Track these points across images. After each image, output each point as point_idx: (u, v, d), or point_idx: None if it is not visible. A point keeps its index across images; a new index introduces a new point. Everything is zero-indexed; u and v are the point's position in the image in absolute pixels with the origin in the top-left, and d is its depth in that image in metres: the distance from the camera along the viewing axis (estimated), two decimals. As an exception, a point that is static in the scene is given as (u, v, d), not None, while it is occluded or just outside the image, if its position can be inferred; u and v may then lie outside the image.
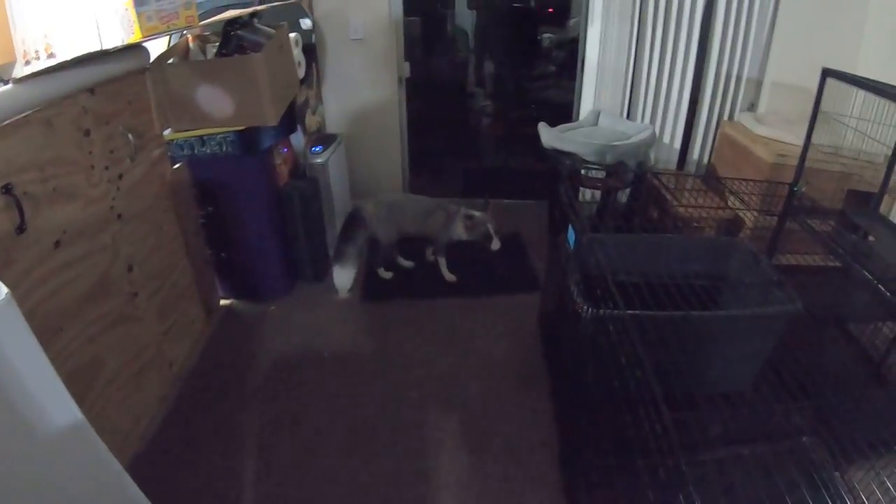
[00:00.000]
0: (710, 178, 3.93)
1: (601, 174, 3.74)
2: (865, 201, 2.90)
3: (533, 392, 2.62)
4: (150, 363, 2.30)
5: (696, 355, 1.64)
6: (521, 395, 2.61)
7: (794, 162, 3.02)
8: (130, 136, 2.21)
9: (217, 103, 2.64)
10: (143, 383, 2.26)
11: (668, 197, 3.48)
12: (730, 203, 3.36)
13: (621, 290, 1.88)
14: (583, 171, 3.60)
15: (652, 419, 1.51)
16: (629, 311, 1.81)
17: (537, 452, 2.32)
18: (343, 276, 3.18)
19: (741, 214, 3.26)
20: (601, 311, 1.97)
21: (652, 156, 4.09)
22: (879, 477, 1.80)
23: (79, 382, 1.87)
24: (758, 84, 4.12)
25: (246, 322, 3.05)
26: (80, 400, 1.85)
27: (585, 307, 2.04)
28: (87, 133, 1.95)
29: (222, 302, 3.17)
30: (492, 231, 3.21)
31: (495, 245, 3.23)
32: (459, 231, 3.28)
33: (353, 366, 2.77)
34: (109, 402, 2.03)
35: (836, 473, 2.10)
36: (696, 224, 3.30)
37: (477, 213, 3.25)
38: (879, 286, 2.25)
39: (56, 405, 1.18)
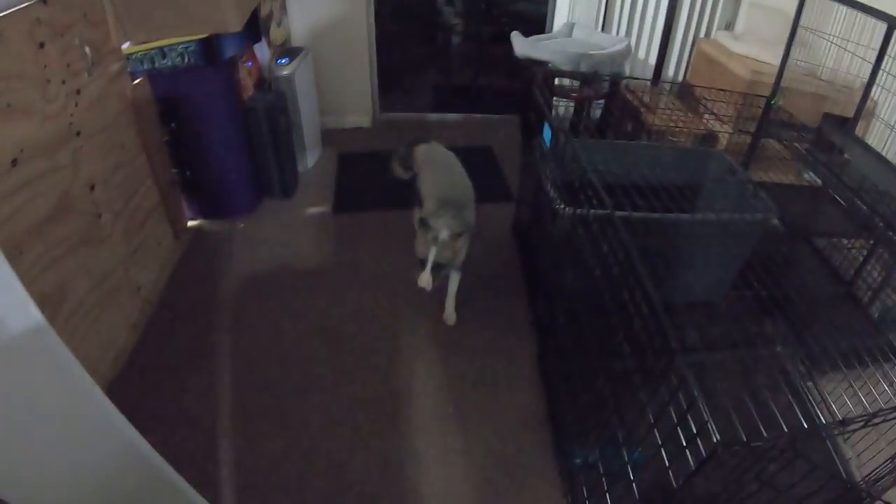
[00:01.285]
0: (686, 94, 3.89)
1: (575, 84, 3.68)
2: (840, 126, 2.90)
3: (510, 299, 2.66)
4: (117, 287, 2.22)
5: (672, 261, 1.63)
6: (498, 302, 2.64)
7: (771, 80, 3.01)
8: (87, 48, 2.06)
9: (175, 8, 2.48)
10: (112, 309, 2.19)
11: (643, 111, 3.43)
12: (705, 119, 3.32)
13: (597, 194, 1.85)
14: (556, 81, 3.54)
15: (627, 322, 1.52)
16: (605, 211, 1.78)
17: (516, 356, 2.38)
18: None
19: (716, 130, 3.24)
20: (577, 210, 1.97)
21: (627, 69, 4.03)
22: (851, 389, 1.85)
23: (43, 309, 1.79)
24: (735, 2, 4.06)
25: (214, 241, 2.97)
26: (45, 326, 1.82)
27: (562, 206, 2.03)
28: (41, 45, 1.82)
29: (190, 223, 3.06)
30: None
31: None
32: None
33: (326, 279, 2.74)
34: (77, 329, 1.97)
35: (810, 383, 2.17)
36: (671, 138, 3.27)
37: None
38: (855, 200, 2.27)
39: (11, 307, 1.10)
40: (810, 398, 2.11)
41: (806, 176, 3.04)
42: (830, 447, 1.98)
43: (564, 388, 2.08)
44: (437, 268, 2.20)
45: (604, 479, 1.72)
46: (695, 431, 1.20)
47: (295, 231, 3.10)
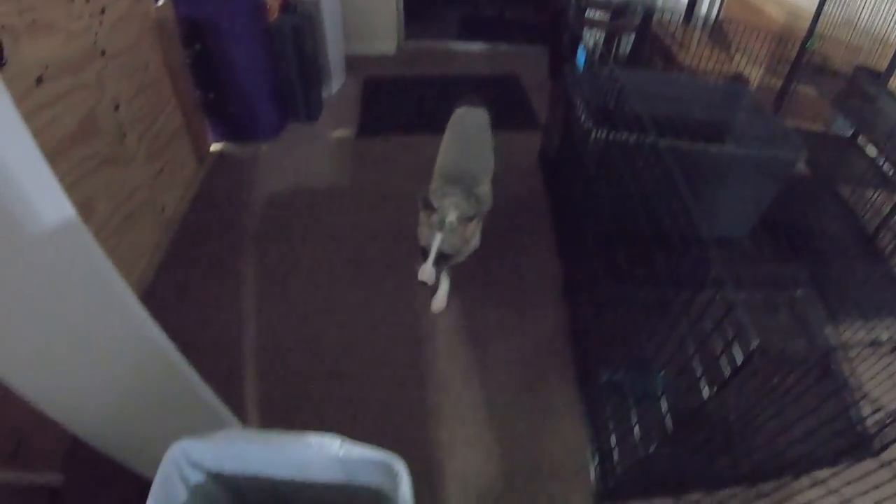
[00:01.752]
0: (718, 33, 3.76)
1: (606, 16, 3.59)
2: (874, 79, 2.80)
3: (534, 227, 2.65)
4: (141, 208, 2.24)
5: (699, 193, 1.60)
6: (523, 230, 2.64)
7: (806, 25, 2.88)
8: (111, -35, 2.03)
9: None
10: (135, 229, 2.22)
11: (674, 47, 3.33)
12: (736, 59, 3.22)
13: (636, 119, 1.81)
14: (587, 13, 3.45)
15: (652, 251, 1.51)
16: (636, 136, 1.76)
17: (539, 283, 2.40)
18: None
19: (747, 72, 3.14)
20: (609, 133, 1.94)
21: (659, 2, 3.90)
22: (870, 335, 1.84)
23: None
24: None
25: (238, 165, 2.98)
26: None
27: (593, 127, 2.01)
28: (65, -38, 1.79)
29: (213, 147, 3.07)
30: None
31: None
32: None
33: (349, 202, 2.74)
34: (102, 247, 1.99)
35: (830, 327, 2.16)
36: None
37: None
38: (885, 148, 2.21)
39: (46, 199, 1.10)
40: (831, 342, 2.10)
41: (835, 125, 2.96)
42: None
43: (591, 312, 2.10)
44: (443, 259, 1.89)
45: (630, 398, 1.75)
46: (731, 338, 1.20)
47: (319, 155, 3.08)
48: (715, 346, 1.25)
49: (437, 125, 3.02)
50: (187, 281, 2.33)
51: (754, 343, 1.12)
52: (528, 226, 2.67)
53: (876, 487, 1.45)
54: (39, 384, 1.30)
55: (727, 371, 1.21)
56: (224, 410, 1.78)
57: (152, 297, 2.24)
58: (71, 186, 1.82)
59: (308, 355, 2.07)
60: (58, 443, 1.78)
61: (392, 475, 1.08)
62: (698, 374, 1.36)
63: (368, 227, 2.60)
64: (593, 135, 1.99)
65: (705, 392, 1.33)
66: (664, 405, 1.52)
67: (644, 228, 1.65)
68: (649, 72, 2.51)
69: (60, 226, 1.13)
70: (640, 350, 1.66)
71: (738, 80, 3.27)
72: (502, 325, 2.22)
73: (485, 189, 2.15)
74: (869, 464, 1.53)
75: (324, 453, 1.10)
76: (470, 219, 1.89)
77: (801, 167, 2.33)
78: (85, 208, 1.91)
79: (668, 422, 1.48)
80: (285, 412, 1.91)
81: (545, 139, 2.99)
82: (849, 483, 1.54)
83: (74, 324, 1.27)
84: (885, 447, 1.61)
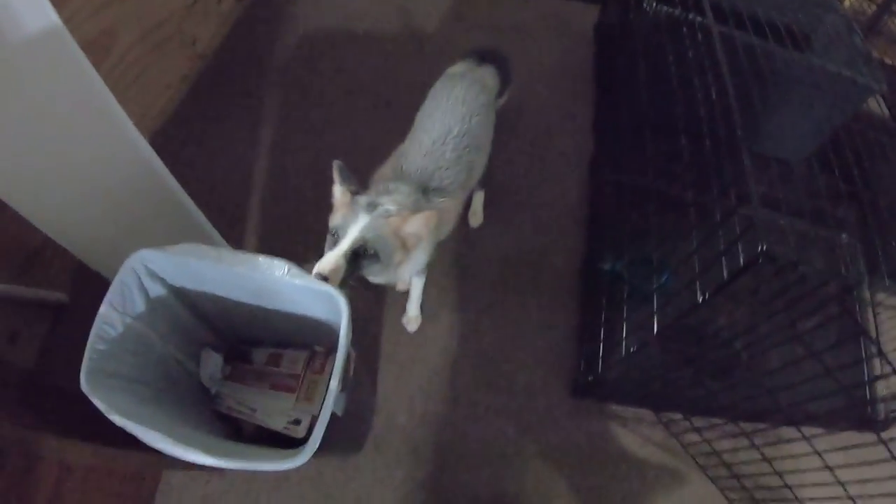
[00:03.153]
0: None
1: None
2: None
3: (575, 98, 2.49)
4: (169, 39, 2.18)
5: (763, 103, 1.43)
6: (561, 98, 2.49)
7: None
8: None
9: None
10: (163, 60, 2.16)
11: None
12: None
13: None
14: None
15: (682, 148, 1.39)
16: (705, 20, 1.55)
17: (569, 153, 2.31)
18: None
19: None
20: (667, 6, 1.77)
21: None
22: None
23: (90, 54, 1.79)
24: None
25: (278, 2, 2.76)
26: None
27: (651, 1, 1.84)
28: None
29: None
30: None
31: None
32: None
33: (388, 47, 2.60)
34: (125, 76, 1.96)
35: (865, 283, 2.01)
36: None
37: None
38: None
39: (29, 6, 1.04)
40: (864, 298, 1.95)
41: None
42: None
43: (611, 196, 2.00)
44: (361, 258, 1.25)
45: (626, 288, 1.67)
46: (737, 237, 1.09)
47: None
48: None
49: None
50: (210, 114, 2.31)
51: (761, 246, 1.01)
52: (569, 96, 2.51)
53: (869, 464, 1.28)
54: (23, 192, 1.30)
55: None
56: (220, 242, 1.79)
57: (174, 127, 2.24)
58: (94, 13, 1.76)
59: (317, 192, 2.02)
60: (66, 263, 1.81)
61: (335, 307, 1.04)
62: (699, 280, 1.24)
63: (403, 77, 2.48)
64: (645, 4, 1.82)
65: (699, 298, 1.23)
66: (656, 305, 1.43)
67: (678, 121, 1.52)
68: None
69: (42, 31, 1.08)
70: (648, 245, 1.56)
71: None
72: (521, 190, 2.17)
73: (449, 207, 1.51)
74: (867, 436, 1.35)
75: (271, 276, 1.06)
76: (418, 211, 1.31)
77: (878, 104, 2.10)
78: (108, 35, 1.85)
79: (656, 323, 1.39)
80: (285, 248, 1.91)
81: (603, 11, 2.76)
82: (839, 449, 1.41)
83: (60, 133, 1.25)
84: (890, 421, 1.48)
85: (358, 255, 1.23)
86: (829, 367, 1.25)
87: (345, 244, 1.22)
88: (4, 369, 1.62)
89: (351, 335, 1.05)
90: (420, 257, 1.45)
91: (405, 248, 1.33)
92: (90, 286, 1.24)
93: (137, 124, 1.33)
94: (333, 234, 1.27)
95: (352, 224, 1.24)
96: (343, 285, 1.18)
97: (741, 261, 1.05)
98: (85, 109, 1.24)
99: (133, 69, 1.99)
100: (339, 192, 1.35)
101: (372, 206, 1.27)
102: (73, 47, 1.12)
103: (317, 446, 0.96)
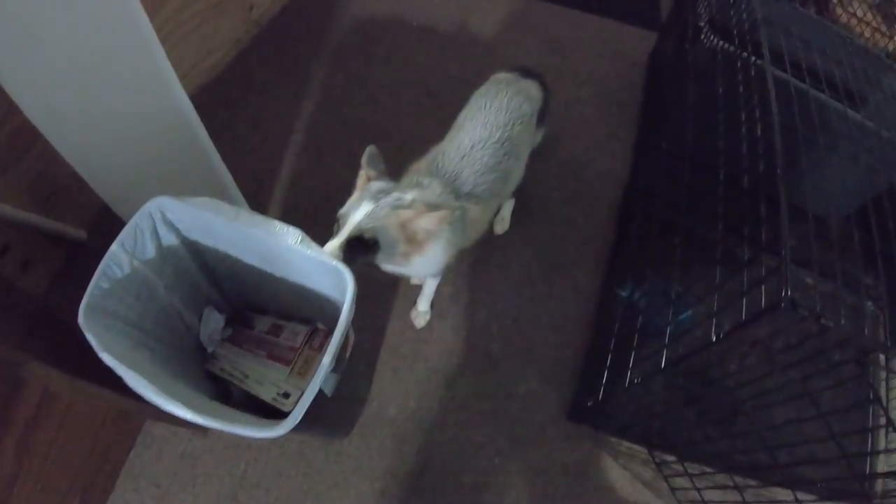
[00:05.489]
0: (885, 3, 3.30)
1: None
2: None
3: (622, 122, 2.44)
4: (228, 0, 2.20)
5: (808, 154, 1.39)
6: (608, 120, 2.44)
7: None
8: None
9: None
10: (218, 19, 2.19)
11: None
12: None
13: (754, 37, 1.57)
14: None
15: (729, 192, 1.34)
16: (761, 62, 1.49)
17: (606, 173, 2.28)
18: None
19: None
20: (727, 46, 1.72)
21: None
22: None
23: (148, 2, 1.80)
24: None
25: None
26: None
27: (708, 27, 1.79)
28: None
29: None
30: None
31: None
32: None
33: (440, 41, 2.59)
34: (178, 28, 1.98)
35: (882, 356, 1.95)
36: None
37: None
38: None
39: None
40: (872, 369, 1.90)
41: None
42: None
43: (640, 224, 1.95)
44: (361, 247, 1.22)
45: (640, 319, 1.63)
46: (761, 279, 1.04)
47: None
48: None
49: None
50: (255, 80, 2.33)
51: (785, 290, 0.97)
52: (615, 120, 2.46)
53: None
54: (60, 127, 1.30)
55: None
56: (243, 204, 1.80)
57: (219, 88, 2.27)
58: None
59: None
60: (91, 202, 1.83)
61: (341, 283, 1.02)
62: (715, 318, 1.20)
63: (450, 74, 2.47)
64: (703, 36, 1.78)
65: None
66: (667, 340, 1.39)
67: (719, 159, 1.49)
68: (796, 7, 2.17)
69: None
70: (669, 279, 1.52)
71: (893, 57, 2.87)
72: (550, 205, 2.15)
73: (477, 216, 1.48)
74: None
75: (283, 242, 1.05)
76: (433, 208, 1.25)
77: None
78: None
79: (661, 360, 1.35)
80: (304, 224, 1.91)
81: (661, 39, 2.71)
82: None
83: (104, 75, 1.26)
84: (887, 499, 1.42)
85: (359, 243, 1.21)
86: (835, 432, 1.21)
87: (343, 233, 1.20)
88: (12, 293, 1.63)
89: (353, 316, 1.03)
90: (437, 258, 1.42)
91: (413, 242, 1.29)
92: (111, 227, 1.24)
93: (183, 78, 1.34)
94: (338, 220, 1.26)
95: (354, 212, 1.23)
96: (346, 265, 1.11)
97: (762, 303, 1.01)
98: (132, 56, 1.24)
99: (188, 24, 2.01)
100: (361, 177, 1.35)
101: (381, 194, 1.25)
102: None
103: (298, 420, 0.94)
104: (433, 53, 2.52)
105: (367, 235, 1.21)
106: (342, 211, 1.26)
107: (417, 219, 1.24)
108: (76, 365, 1.15)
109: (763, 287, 1.03)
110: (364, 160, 1.34)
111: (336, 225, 1.25)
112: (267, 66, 2.38)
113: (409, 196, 1.26)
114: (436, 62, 2.49)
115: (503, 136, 1.50)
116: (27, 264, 1.69)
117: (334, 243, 1.19)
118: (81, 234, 1.86)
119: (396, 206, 1.24)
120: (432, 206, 1.25)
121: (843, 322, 1.01)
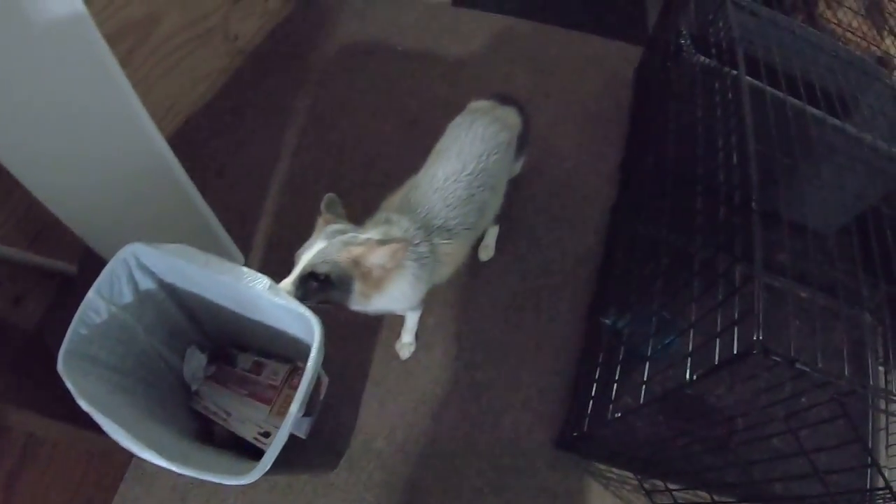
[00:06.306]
0: (875, 7, 3.27)
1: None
2: None
3: (608, 141, 2.43)
4: (212, 31, 2.22)
5: (791, 166, 1.37)
6: (594, 139, 2.43)
7: None
8: None
9: None
10: (203, 50, 2.20)
11: (821, 6, 2.92)
12: (887, 42, 2.79)
13: (731, 48, 1.54)
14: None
15: (709, 208, 1.33)
16: (723, 66, 1.50)
17: (591, 196, 2.26)
18: None
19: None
20: (710, 61, 1.68)
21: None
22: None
23: (131, 35, 1.83)
24: None
25: (324, 8, 2.81)
26: (129, 52, 1.84)
27: (689, 44, 1.76)
28: None
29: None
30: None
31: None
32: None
33: (424, 65, 2.59)
34: (162, 62, 2.00)
35: (881, 368, 1.93)
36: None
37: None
38: None
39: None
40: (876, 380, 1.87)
41: None
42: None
43: (625, 246, 1.94)
44: (315, 283, 1.20)
45: (622, 348, 1.63)
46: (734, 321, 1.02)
47: (409, 15, 2.84)
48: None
49: (553, 14, 2.82)
50: (241, 109, 2.35)
51: (757, 334, 0.95)
52: (602, 139, 2.45)
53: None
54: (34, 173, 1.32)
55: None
56: (226, 240, 1.79)
57: (204, 118, 2.28)
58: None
59: None
60: (79, 238, 1.84)
61: (310, 329, 1.03)
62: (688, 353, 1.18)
63: (434, 96, 2.47)
64: (685, 51, 1.76)
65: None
66: (647, 374, 1.38)
67: (698, 175, 1.47)
68: (780, 18, 2.13)
69: (67, 18, 1.09)
70: (653, 305, 1.51)
71: (883, 62, 2.84)
72: (537, 226, 2.15)
73: (450, 250, 1.45)
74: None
75: (252, 289, 1.06)
76: (384, 243, 1.23)
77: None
78: (151, 19, 1.90)
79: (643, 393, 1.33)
80: (290, 253, 1.93)
81: (647, 54, 2.70)
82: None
83: (76, 121, 1.27)
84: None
85: (313, 282, 1.20)
86: (821, 469, 1.19)
87: (296, 271, 1.20)
88: (4, 330, 1.65)
89: (322, 359, 1.04)
90: (405, 295, 1.39)
91: (369, 279, 1.27)
92: (101, 261, 1.26)
93: (168, 111, 1.35)
94: (294, 260, 1.24)
95: (306, 251, 1.22)
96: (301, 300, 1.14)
97: (734, 348, 1.00)
98: (103, 101, 1.25)
99: (172, 56, 2.03)
100: (319, 220, 1.33)
101: (336, 234, 1.25)
102: (95, 36, 1.13)
103: (268, 467, 0.95)
104: (418, 78, 2.53)
105: (318, 271, 1.19)
106: (298, 252, 1.25)
107: (369, 254, 1.22)
108: (63, 402, 1.16)
109: (735, 329, 1.02)
110: (323, 205, 1.34)
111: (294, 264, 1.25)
112: (252, 95, 2.40)
113: (364, 235, 1.26)
114: (421, 87, 2.50)
115: (477, 168, 1.48)
116: (19, 300, 1.71)
117: (287, 281, 1.18)
118: (71, 268, 1.87)
119: (348, 243, 1.22)
120: (383, 242, 1.23)
121: (819, 365, 0.99)
